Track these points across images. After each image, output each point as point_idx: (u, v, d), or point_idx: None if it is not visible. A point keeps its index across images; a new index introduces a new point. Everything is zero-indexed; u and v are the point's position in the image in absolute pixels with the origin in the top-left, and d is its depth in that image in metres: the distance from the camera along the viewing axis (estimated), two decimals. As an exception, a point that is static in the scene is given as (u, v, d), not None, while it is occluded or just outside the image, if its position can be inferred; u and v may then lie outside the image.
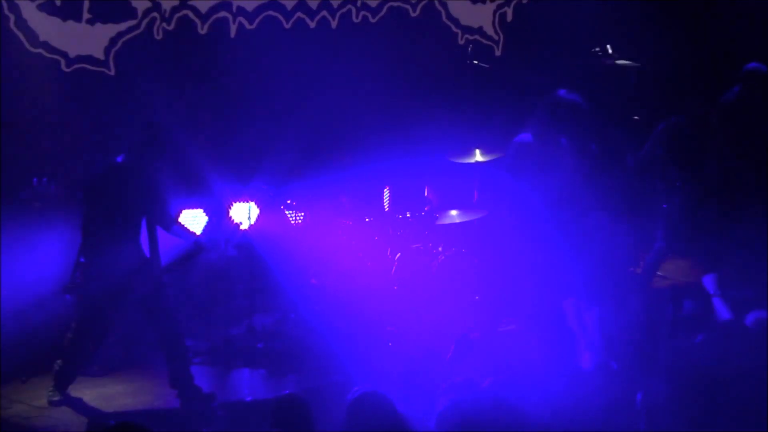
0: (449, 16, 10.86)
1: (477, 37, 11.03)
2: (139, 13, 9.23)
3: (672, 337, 7.62)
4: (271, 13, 9.87)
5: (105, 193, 7.82)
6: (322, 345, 8.74)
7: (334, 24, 10.21)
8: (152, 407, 7.98)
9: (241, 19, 9.72)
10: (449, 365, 8.00)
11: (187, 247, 8.52)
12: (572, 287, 8.38)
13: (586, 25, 10.93)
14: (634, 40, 10.97)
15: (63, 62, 8.97)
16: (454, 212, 9.43)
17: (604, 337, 8.13)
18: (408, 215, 9.55)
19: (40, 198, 8.76)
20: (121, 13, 9.16)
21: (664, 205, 9.42)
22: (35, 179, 8.78)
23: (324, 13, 10.13)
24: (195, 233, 8.79)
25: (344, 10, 10.24)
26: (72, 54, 9.00)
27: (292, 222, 9.75)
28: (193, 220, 9.05)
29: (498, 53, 11.15)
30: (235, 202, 9.23)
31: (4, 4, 8.61)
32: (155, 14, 9.30)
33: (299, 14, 10.01)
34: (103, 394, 8.20)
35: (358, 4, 10.31)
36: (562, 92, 8.53)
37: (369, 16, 10.38)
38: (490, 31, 11.12)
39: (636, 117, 10.56)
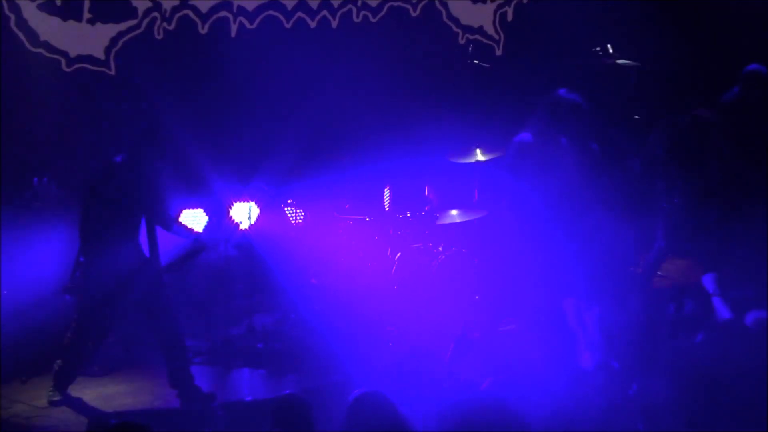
0: (450, 16, 10.87)
1: (477, 36, 11.03)
2: (140, 13, 9.23)
3: (672, 337, 7.62)
4: (271, 12, 9.87)
5: (104, 192, 7.81)
6: (322, 345, 8.74)
7: (334, 24, 10.21)
8: (152, 407, 7.97)
9: (241, 18, 9.72)
10: (449, 365, 8.00)
11: (187, 246, 8.51)
12: (572, 287, 8.37)
13: (586, 25, 10.93)
14: (634, 40, 10.97)
15: (63, 62, 8.97)
16: (454, 212, 9.43)
17: (605, 337, 8.12)
18: (408, 215, 9.55)
19: (40, 198, 8.76)
20: (122, 13, 9.16)
21: (665, 205, 9.42)
22: (35, 179, 8.78)
23: (324, 12, 10.13)
24: (195, 232, 8.79)
25: (345, 9, 10.24)
26: (72, 54, 9.00)
27: (292, 222, 9.75)
28: (194, 219, 9.04)
29: (498, 53, 11.15)
30: (236, 202, 9.23)
31: (5, 4, 8.61)
32: (156, 14, 9.30)
33: (300, 14, 10.01)
34: (103, 394, 8.20)
35: (359, 3, 10.31)
36: (562, 92, 8.52)
37: (369, 15, 10.38)
38: (490, 30, 11.12)
39: (636, 117, 10.56)
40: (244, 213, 9.22)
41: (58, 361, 7.93)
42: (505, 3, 11.12)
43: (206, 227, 9.05)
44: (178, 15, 9.42)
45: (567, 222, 8.48)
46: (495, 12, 11.11)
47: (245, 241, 9.35)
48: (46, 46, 8.85)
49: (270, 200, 9.50)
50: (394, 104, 10.41)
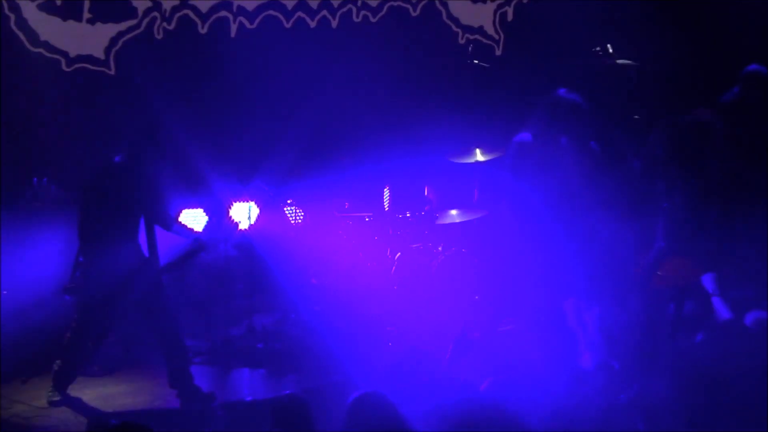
0: (449, 16, 10.86)
1: (477, 36, 11.03)
2: (140, 13, 9.23)
3: (672, 337, 7.62)
4: (271, 12, 9.87)
5: (102, 192, 7.80)
6: (322, 345, 8.74)
7: (334, 24, 10.21)
8: (152, 407, 7.97)
9: (241, 18, 9.72)
10: (449, 365, 8.00)
11: (187, 246, 8.51)
12: (572, 287, 8.37)
13: (586, 25, 10.92)
14: (634, 40, 10.97)
15: (63, 62, 8.97)
16: (454, 212, 9.43)
17: (605, 337, 8.12)
18: (408, 215, 9.55)
19: (40, 198, 8.76)
20: (122, 13, 9.17)
21: (665, 205, 9.41)
22: (35, 179, 8.78)
23: (324, 12, 10.13)
24: (196, 231, 8.79)
25: (345, 9, 10.24)
26: (72, 54, 9.00)
27: (292, 222, 9.75)
28: (193, 219, 9.04)
29: (498, 53, 11.14)
30: (235, 202, 9.23)
31: (5, 4, 8.61)
32: (156, 14, 9.30)
33: (300, 14, 10.01)
34: (103, 394, 8.20)
35: (359, 3, 10.31)
36: (562, 92, 8.51)
37: (369, 15, 10.38)
38: (490, 30, 11.12)
39: (636, 117, 10.55)
40: (243, 213, 9.22)
41: (58, 362, 7.92)
42: (505, 3, 11.12)
43: (206, 227, 9.05)
44: (178, 15, 9.42)
45: (567, 222, 8.47)
46: (495, 12, 11.11)
47: (245, 241, 9.35)
48: (46, 45, 8.86)
49: (270, 200, 9.50)
50: (394, 104, 10.41)
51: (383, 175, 10.07)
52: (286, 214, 9.71)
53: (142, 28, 9.24)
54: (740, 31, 10.96)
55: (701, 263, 8.62)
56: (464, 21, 10.95)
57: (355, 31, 10.32)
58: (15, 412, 7.83)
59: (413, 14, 10.61)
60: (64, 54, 8.96)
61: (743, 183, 9.29)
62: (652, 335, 7.88)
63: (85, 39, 9.02)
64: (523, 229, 8.60)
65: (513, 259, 8.81)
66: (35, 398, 8.02)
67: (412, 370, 8.04)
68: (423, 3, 10.64)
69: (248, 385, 8.67)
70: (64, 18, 8.90)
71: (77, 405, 7.93)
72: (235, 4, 9.68)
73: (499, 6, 11.11)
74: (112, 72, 9.15)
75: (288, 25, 9.97)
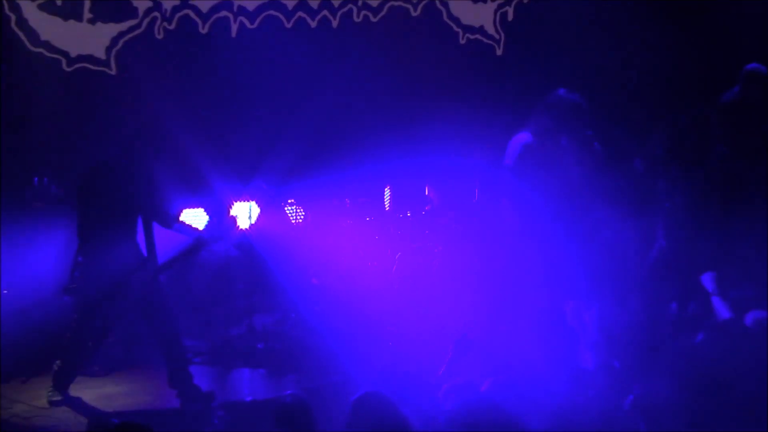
0: (450, 16, 10.85)
1: (478, 36, 11.03)
2: (140, 13, 9.23)
3: (672, 337, 7.62)
4: (272, 12, 9.87)
5: (99, 192, 7.79)
6: (322, 345, 8.74)
7: (335, 23, 10.20)
8: (152, 407, 7.97)
9: (242, 18, 9.72)
10: (449, 365, 8.00)
11: (188, 244, 8.50)
12: (573, 286, 8.37)
13: (586, 25, 10.92)
14: (634, 40, 10.96)
15: (64, 62, 8.97)
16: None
17: (605, 337, 8.12)
18: (409, 215, 9.55)
19: (40, 198, 8.76)
20: (122, 13, 9.17)
21: (666, 205, 9.42)
22: (35, 179, 8.78)
23: (325, 12, 10.12)
24: (197, 229, 8.78)
25: (345, 9, 10.23)
26: (73, 53, 9.00)
27: (293, 222, 9.75)
28: (194, 219, 9.04)
29: (499, 53, 11.14)
30: (236, 202, 9.23)
31: (5, 4, 8.62)
32: (156, 14, 9.30)
33: (300, 14, 10.00)
34: (103, 394, 8.20)
35: (359, 3, 10.30)
36: (562, 92, 8.51)
37: (370, 15, 10.37)
38: (491, 30, 11.11)
39: (635, 117, 10.54)
40: (244, 212, 9.22)
41: (58, 362, 7.92)
42: (505, 3, 11.10)
43: (207, 227, 9.05)
44: (178, 15, 9.42)
45: (567, 222, 8.47)
46: (495, 12, 11.09)
47: (245, 241, 9.34)
48: (47, 45, 8.86)
49: (270, 200, 9.49)
50: (395, 104, 10.41)
51: (384, 175, 10.07)
52: (286, 213, 9.71)
53: (142, 28, 9.24)
54: (740, 31, 10.96)
55: (701, 263, 8.62)
56: (465, 21, 10.94)
57: (355, 31, 10.31)
58: (15, 412, 7.82)
59: (414, 14, 10.60)
60: (65, 54, 8.96)
61: (743, 183, 9.30)
62: (652, 335, 7.89)
63: (85, 39, 9.02)
64: (523, 229, 8.60)
65: (513, 259, 8.81)
66: (35, 398, 8.01)
67: (412, 370, 8.04)
68: (423, 3, 10.63)
69: (248, 385, 8.67)
70: (65, 18, 8.90)
71: (77, 405, 7.93)
72: (236, 4, 9.68)
73: (500, 6, 11.09)
74: (113, 72, 9.15)
75: (288, 25, 9.97)
